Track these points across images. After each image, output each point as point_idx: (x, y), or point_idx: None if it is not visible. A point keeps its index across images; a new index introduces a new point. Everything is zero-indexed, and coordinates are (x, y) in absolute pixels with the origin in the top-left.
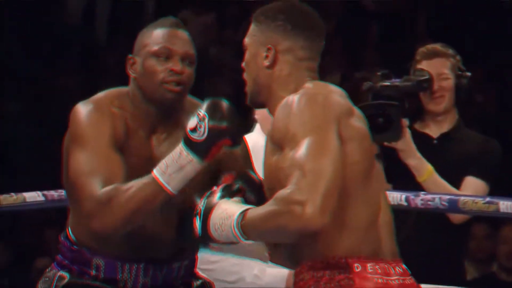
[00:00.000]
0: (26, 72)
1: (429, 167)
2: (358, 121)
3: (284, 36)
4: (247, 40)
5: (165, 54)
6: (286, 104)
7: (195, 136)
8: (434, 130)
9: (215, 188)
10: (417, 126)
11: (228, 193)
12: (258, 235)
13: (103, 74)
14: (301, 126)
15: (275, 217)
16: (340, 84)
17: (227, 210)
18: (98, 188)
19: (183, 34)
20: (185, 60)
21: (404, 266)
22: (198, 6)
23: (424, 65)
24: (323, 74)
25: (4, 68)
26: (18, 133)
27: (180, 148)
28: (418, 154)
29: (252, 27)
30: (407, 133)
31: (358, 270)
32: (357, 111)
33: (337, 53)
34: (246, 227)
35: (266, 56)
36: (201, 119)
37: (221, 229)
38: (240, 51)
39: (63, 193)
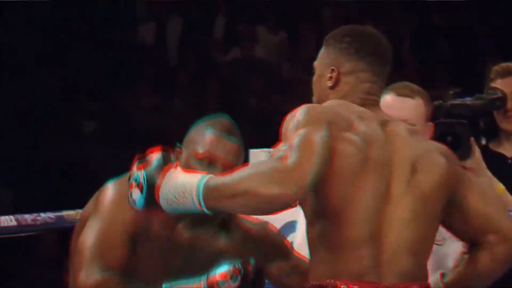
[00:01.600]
0: (100, 92)
1: (500, 186)
2: (354, 136)
3: (348, 58)
4: (316, 61)
5: (208, 160)
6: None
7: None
8: (508, 150)
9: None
10: (491, 145)
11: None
12: (227, 200)
13: (174, 94)
14: (293, 125)
15: (249, 176)
16: None
17: (182, 178)
18: (95, 272)
19: (230, 143)
20: (226, 169)
21: None
22: (270, 23)
23: (498, 83)
24: None
25: (79, 88)
26: (93, 152)
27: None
28: (489, 173)
29: (321, 50)
30: (477, 151)
31: None
32: (360, 128)
33: (409, 71)
34: (212, 192)
35: (330, 77)
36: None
37: (177, 201)
38: (310, 69)
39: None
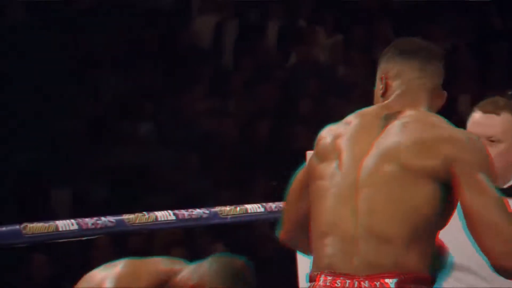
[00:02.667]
0: (159, 96)
1: None
2: (342, 141)
3: (393, 63)
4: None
5: None
6: None
7: None
8: None
9: None
10: None
11: None
12: None
13: (230, 97)
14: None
15: None
16: (471, 105)
17: None
18: None
19: None
20: None
21: (386, 281)
22: (326, 25)
23: None
24: (455, 94)
25: (139, 91)
26: (150, 154)
27: None
28: None
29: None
30: None
31: (319, 283)
32: (348, 132)
33: (468, 73)
34: None
35: (382, 87)
36: None
37: None
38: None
39: (194, 213)
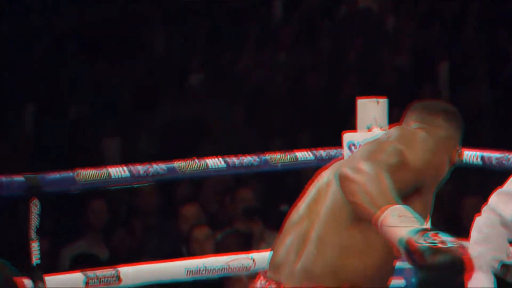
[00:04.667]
0: (209, 49)
1: None
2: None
3: None
4: None
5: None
6: None
7: None
8: None
9: None
10: None
11: None
12: None
13: (280, 50)
14: None
15: None
16: None
17: None
18: None
19: None
20: None
21: None
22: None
23: None
24: None
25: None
26: (202, 106)
27: None
28: None
29: None
30: None
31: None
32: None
33: None
34: None
35: None
36: None
37: None
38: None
39: (244, 160)
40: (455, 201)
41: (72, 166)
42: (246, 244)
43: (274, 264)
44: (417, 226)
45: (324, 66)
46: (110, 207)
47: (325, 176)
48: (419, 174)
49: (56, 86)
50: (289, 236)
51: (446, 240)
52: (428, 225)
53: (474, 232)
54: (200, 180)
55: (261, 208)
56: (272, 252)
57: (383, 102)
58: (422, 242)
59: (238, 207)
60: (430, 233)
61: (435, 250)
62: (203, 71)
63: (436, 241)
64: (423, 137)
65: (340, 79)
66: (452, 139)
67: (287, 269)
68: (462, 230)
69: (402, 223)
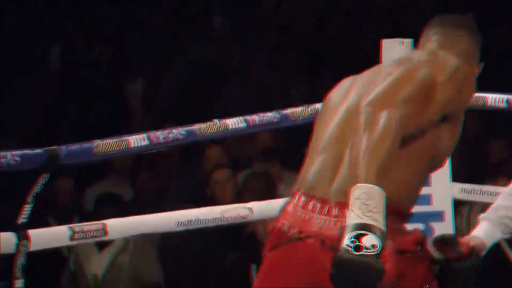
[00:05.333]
0: None
1: None
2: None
3: None
4: None
5: None
6: None
7: None
8: None
9: None
10: None
11: None
12: None
13: None
14: None
15: None
16: None
17: None
18: None
19: None
20: None
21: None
22: None
23: None
24: None
25: None
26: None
27: None
28: None
29: None
30: None
31: (294, 201)
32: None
33: None
34: None
35: None
36: None
37: None
38: None
39: (264, 117)
40: (480, 145)
41: (96, 108)
42: (266, 185)
43: (307, 186)
44: (362, 221)
45: (347, 9)
46: None
47: (354, 95)
48: (448, 102)
49: (82, 25)
50: (320, 157)
51: (371, 245)
52: (379, 222)
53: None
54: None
55: (280, 149)
56: (302, 174)
57: (407, 42)
58: (347, 240)
59: (258, 148)
60: (362, 235)
61: (346, 252)
62: (227, 14)
63: (356, 245)
64: (452, 63)
65: (363, 21)
66: (475, 52)
67: (321, 191)
68: (487, 175)
69: (355, 208)
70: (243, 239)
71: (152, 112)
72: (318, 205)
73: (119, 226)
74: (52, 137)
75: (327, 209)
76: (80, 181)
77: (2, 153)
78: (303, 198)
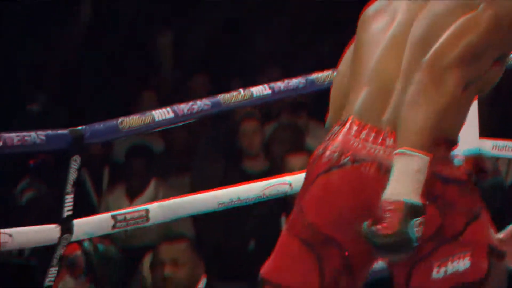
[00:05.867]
0: None
1: None
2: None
3: None
4: None
5: None
6: None
7: None
8: None
9: None
10: None
11: None
12: None
13: None
14: None
15: None
16: None
17: None
18: None
19: None
20: None
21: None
22: None
23: None
24: None
25: None
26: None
27: None
28: None
29: None
30: None
31: (344, 129)
32: None
33: None
34: None
35: None
36: None
37: None
38: None
39: (290, 84)
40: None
41: (125, 60)
42: (294, 135)
43: (357, 116)
44: (414, 201)
45: None
46: (159, 97)
47: (399, 24)
48: (504, 45)
49: None
50: (367, 88)
51: (418, 225)
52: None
53: None
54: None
55: (308, 102)
56: (349, 105)
57: None
58: (407, 220)
59: (286, 101)
60: (413, 214)
61: (395, 233)
62: None
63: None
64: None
65: None
66: None
67: (373, 121)
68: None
69: (409, 179)
70: None
71: (180, 64)
72: (372, 134)
73: (161, 211)
74: (78, 92)
75: (381, 139)
76: None
77: (27, 133)
78: (354, 127)
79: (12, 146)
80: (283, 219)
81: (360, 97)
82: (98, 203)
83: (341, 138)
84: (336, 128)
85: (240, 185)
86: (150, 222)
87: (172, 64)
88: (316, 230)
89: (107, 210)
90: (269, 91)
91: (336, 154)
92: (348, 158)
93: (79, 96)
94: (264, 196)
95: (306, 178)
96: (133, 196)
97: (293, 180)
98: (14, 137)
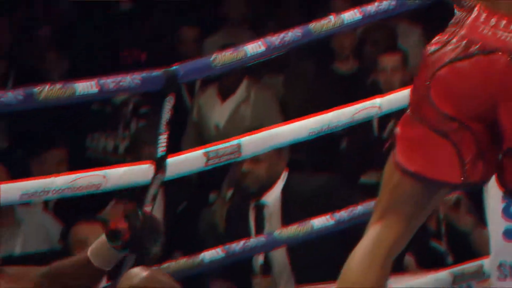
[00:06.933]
0: None
1: None
2: None
3: None
4: None
5: None
6: None
7: None
8: None
9: None
10: None
11: None
12: None
13: None
14: None
15: None
16: None
17: None
18: None
19: None
20: None
21: None
22: None
23: None
24: None
25: None
26: None
27: None
28: None
29: None
30: None
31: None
32: None
33: None
34: None
35: None
36: None
37: None
38: None
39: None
40: None
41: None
42: (385, 35)
43: (486, 3)
44: None
45: None
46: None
47: None
48: None
49: None
50: None
51: None
52: None
53: None
54: None
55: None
56: None
57: None
58: None
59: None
60: None
61: None
62: None
63: None
64: None
65: None
66: None
67: (504, 7)
68: None
69: None
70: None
71: None
72: (503, 21)
73: (252, 143)
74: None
75: None
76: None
77: (122, 77)
78: (483, 14)
79: (108, 91)
80: None
81: None
82: (191, 104)
83: (468, 25)
84: (461, 14)
85: (329, 111)
86: (243, 156)
87: None
88: (450, 118)
89: (198, 111)
90: (360, 16)
91: (464, 42)
92: (477, 47)
93: None
94: (353, 121)
95: (424, 68)
96: (224, 96)
97: (382, 102)
98: (110, 82)
